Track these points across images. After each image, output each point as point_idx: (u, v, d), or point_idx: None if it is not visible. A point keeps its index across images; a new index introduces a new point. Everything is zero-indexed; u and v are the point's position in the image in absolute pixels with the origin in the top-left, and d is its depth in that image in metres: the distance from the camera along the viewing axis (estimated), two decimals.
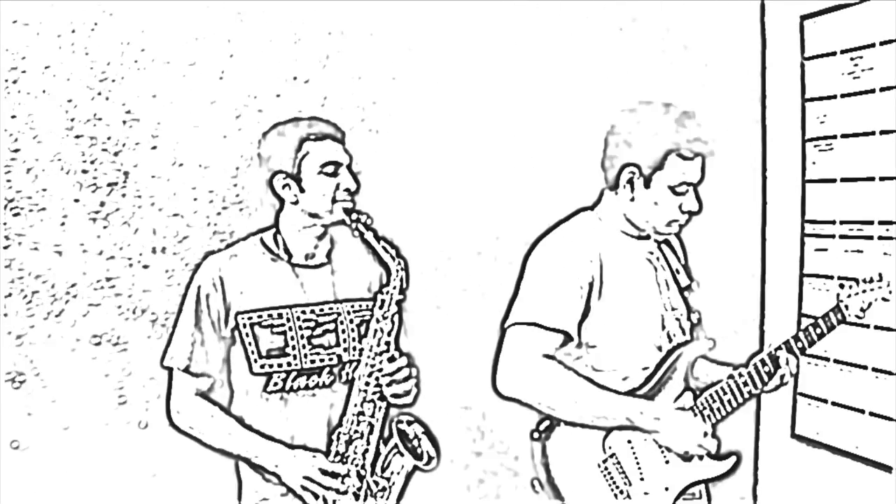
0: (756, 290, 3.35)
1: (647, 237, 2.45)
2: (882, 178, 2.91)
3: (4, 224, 2.61)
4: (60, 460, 2.69)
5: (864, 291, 2.50)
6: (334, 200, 2.44)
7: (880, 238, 2.92)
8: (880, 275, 2.53)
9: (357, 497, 2.42)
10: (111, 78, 2.69)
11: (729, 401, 2.41)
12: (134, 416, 2.75)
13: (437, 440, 2.48)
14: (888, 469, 2.85)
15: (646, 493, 2.39)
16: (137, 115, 2.73)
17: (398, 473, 2.46)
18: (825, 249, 3.14)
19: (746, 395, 2.43)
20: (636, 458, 2.40)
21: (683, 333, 2.48)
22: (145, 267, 2.75)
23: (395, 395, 2.43)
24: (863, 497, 2.97)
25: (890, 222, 2.89)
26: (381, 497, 2.45)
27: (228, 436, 2.43)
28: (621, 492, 2.39)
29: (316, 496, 2.38)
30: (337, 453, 2.42)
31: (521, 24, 3.12)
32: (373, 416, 2.44)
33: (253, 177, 2.78)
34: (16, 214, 2.62)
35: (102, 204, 2.71)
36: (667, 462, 2.40)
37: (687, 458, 2.38)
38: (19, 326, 2.65)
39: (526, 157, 3.07)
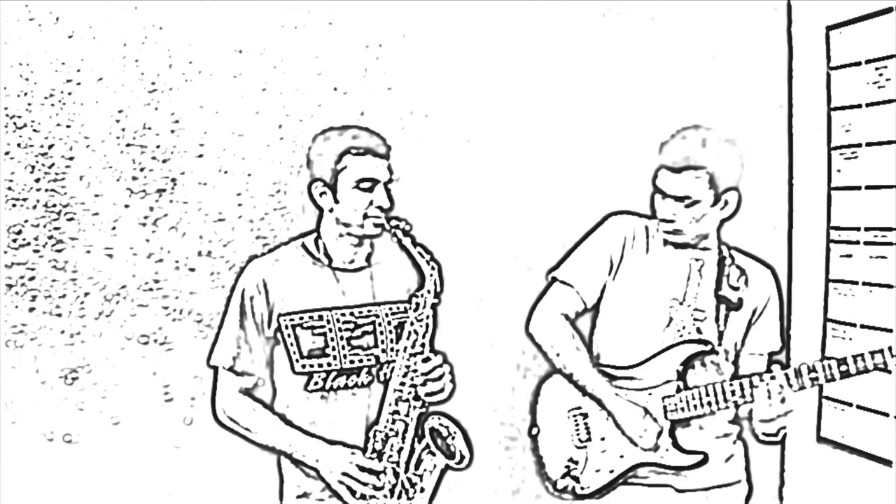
0: (783, 295, 3.34)
1: (693, 245, 2.59)
2: None
3: (58, 228, 2.70)
4: (110, 453, 2.77)
5: None
6: (366, 216, 2.48)
7: None
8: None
9: (392, 493, 2.48)
10: (160, 89, 2.77)
11: (709, 403, 2.53)
12: (179, 412, 2.82)
13: (471, 440, 2.52)
14: None
15: (602, 451, 2.60)
16: (185, 125, 2.80)
17: (430, 472, 2.51)
18: (850, 255, 3.14)
19: (731, 405, 2.53)
20: (605, 422, 2.61)
21: (699, 333, 2.59)
22: (191, 270, 2.82)
23: (429, 394, 2.50)
24: (889, 500, 2.95)
25: None
26: (414, 493, 2.50)
27: (271, 432, 2.49)
28: (581, 443, 2.63)
29: (353, 491, 2.44)
30: (373, 450, 2.47)
31: (563, 28, 3.15)
32: (408, 414, 2.49)
33: (296, 182, 2.86)
34: (70, 219, 2.71)
35: (151, 209, 2.79)
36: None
37: (633, 443, 2.57)
38: (73, 326, 2.73)
39: (566, 162, 3.11)
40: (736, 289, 2.62)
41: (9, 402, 2.71)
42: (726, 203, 2.53)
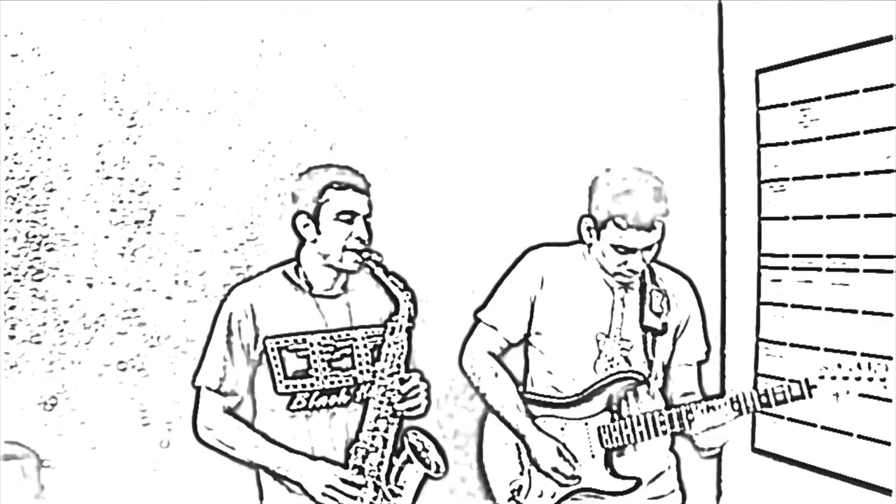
0: (717, 318, 3.45)
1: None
2: (829, 217, 3.06)
3: (38, 258, 2.72)
4: (88, 478, 2.78)
5: (844, 378, 2.53)
6: (345, 248, 2.58)
7: (829, 270, 3.07)
8: (869, 364, 2.53)
9: None
10: (139, 124, 2.81)
11: (641, 433, 2.66)
12: (157, 436, 2.85)
13: (445, 451, 2.62)
14: (847, 479, 2.97)
15: (544, 478, 2.71)
16: (162, 159, 2.84)
17: (410, 482, 2.60)
18: (780, 280, 3.27)
19: (661, 434, 2.66)
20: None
21: (628, 363, 2.72)
22: (168, 298, 2.86)
23: (407, 409, 2.60)
24: None
25: (838, 255, 3.04)
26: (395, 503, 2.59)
27: (255, 448, 2.55)
28: (523, 467, 2.75)
29: (339, 503, 2.52)
30: (354, 466, 2.55)
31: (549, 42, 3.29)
32: (386, 431, 2.58)
33: (270, 214, 2.92)
34: (50, 250, 2.73)
35: (130, 240, 2.82)
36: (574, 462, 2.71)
37: (548, 474, 2.70)
38: (52, 353, 2.75)
39: (541, 181, 3.22)
40: (659, 314, 2.73)
41: None
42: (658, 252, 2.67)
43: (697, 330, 2.82)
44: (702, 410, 2.61)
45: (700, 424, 2.60)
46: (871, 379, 2.50)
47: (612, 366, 2.71)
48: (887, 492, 2.86)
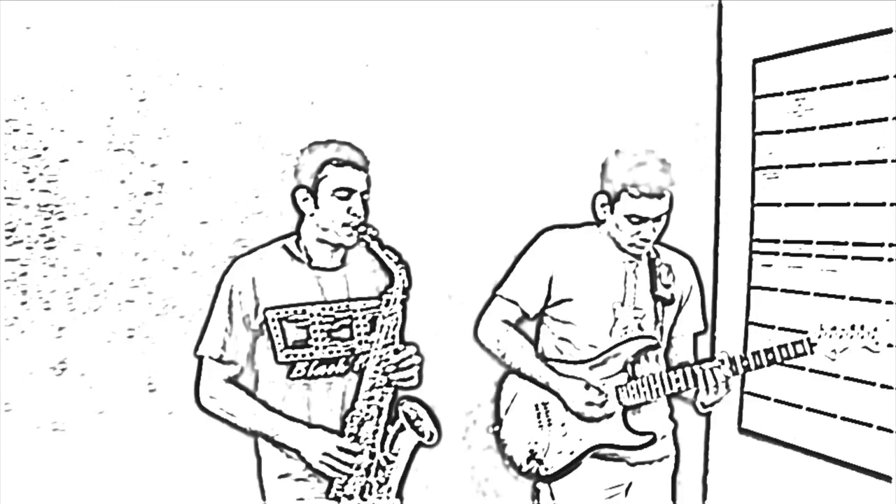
0: (709, 300, 3.40)
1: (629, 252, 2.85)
2: (821, 204, 3.12)
3: (50, 227, 2.74)
4: (95, 441, 2.81)
5: (840, 337, 2.67)
6: (344, 224, 2.64)
7: (818, 256, 3.13)
8: (863, 325, 2.66)
9: (368, 471, 2.62)
10: (149, 98, 2.82)
11: (657, 389, 2.80)
12: (162, 402, 2.88)
13: (439, 420, 2.68)
14: (834, 461, 3.05)
15: (563, 435, 2.83)
16: (171, 133, 2.85)
17: (404, 450, 2.66)
18: (770, 265, 3.34)
19: (676, 390, 2.80)
20: (564, 409, 2.84)
21: (641, 330, 2.86)
22: (175, 268, 2.88)
23: (401, 380, 2.66)
24: (806, 486, 3.17)
25: (828, 242, 3.10)
26: (389, 470, 2.65)
27: (254, 416, 2.61)
28: (543, 427, 2.87)
29: (333, 470, 2.58)
30: (350, 434, 2.62)
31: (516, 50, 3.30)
32: (381, 400, 2.64)
33: (275, 188, 2.94)
34: (61, 219, 2.75)
35: (139, 211, 2.84)
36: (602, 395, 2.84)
37: (582, 417, 2.82)
38: (62, 320, 2.77)
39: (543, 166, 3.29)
40: (668, 286, 2.89)
41: (1, 392, 2.73)
42: (666, 226, 2.82)
43: (697, 304, 2.97)
44: (712, 369, 2.75)
45: (711, 382, 2.73)
46: (862, 337, 2.64)
47: (626, 333, 2.84)
48: (874, 474, 2.94)
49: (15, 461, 2.75)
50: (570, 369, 2.86)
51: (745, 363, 2.73)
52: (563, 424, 2.85)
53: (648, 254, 2.89)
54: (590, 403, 2.81)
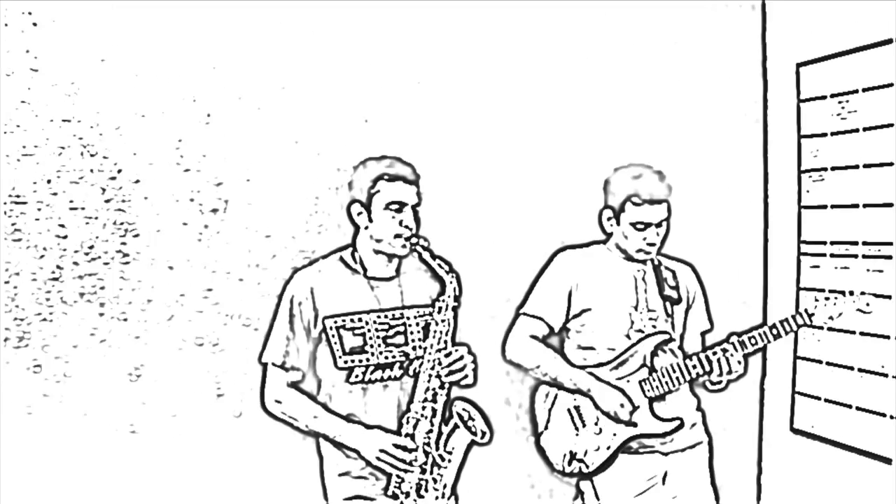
0: (759, 303, 3.59)
1: (637, 259, 3.04)
2: (866, 205, 3.15)
3: (125, 244, 2.87)
4: (168, 443, 2.92)
5: (833, 304, 2.90)
6: (396, 236, 2.76)
7: (864, 257, 3.15)
8: (851, 291, 2.98)
9: (423, 469, 2.72)
10: (214, 122, 2.94)
11: (677, 378, 2.95)
12: (230, 406, 2.98)
13: (490, 420, 2.77)
14: (886, 460, 3.06)
15: (598, 434, 2.96)
16: (235, 153, 2.96)
17: (458, 448, 2.76)
18: (818, 266, 3.36)
19: (695, 376, 2.96)
20: (596, 410, 2.98)
21: (654, 328, 3.03)
22: (240, 280, 2.99)
23: (456, 380, 2.76)
24: (858, 485, 3.18)
25: (874, 243, 3.12)
26: (444, 467, 2.75)
27: (316, 419, 2.73)
28: (579, 428, 3.00)
29: (392, 466, 2.69)
30: (406, 433, 2.72)
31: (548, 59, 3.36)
32: (434, 401, 2.74)
33: (333, 203, 3.04)
34: (135, 236, 2.87)
35: (206, 227, 2.95)
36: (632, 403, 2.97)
37: (614, 418, 2.96)
38: (137, 330, 2.89)
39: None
40: (674, 287, 3.07)
41: (81, 398, 2.85)
42: (667, 234, 3.03)
43: (702, 305, 3.14)
44: (725, 351, 2.93)
45: (726, 366, 2.91)
46: (855, 301, 2.89)
47: (642, 333, 3.00)
48: None
49: (94, 462, 2.87)
50: (594, 372, 3.02)
51: (752, 342, 2.90)
52: (596, 423, 2.99)
53: (653, 261, 3.07)
54: (622, 405, 2.94)
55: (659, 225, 2.98)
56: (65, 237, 2.85)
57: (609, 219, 3.05)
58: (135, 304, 2.92)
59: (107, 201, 2.89)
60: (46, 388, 2.84)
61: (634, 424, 2.97)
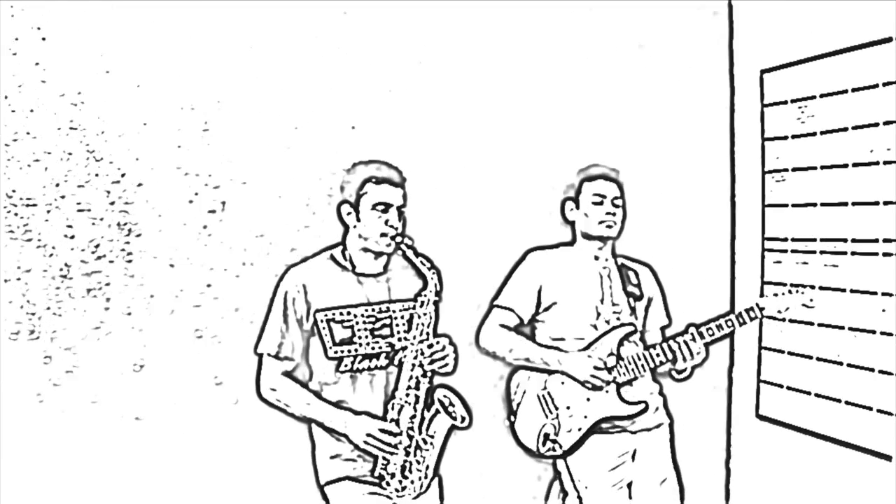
0: (726, 296, 3.75)
1: (602, 237, 3.25)
2: (824, 204, 3.28)
3: (129, 243, 2.99)
4: (171, 429, 3.04)
5: (783, 295, 3.13)
6: (383, 235, 2.90)
7: (822, 252, 3.29)
8: (798, 286, 3.25)
9: (408, 451, 2.87)
10: (212, 129, 3.06)
11: (643, 365, 3.17)
12: (228, 394, 3.10)
13: (470, 406, 2.91)
14: (846, 444, 3.20)
15: (570, 416, 3.15)
16: (232, 158, 3.08)
17: (439, 432, 2.92)
18: (780, 262, 3.51)
19: (658, 364, 3.18)
20: (566, 394, 3.19)
21: (619, 321, 3.24)
22: (237, 277, 3.10)
23: (437, 369, 2.90)
24: (820, 468, 3.33)
25: (833, 240, 3.25)
26: (427, 450, 2.90)
27: (308, 405, 2.87)
28: (551, 412, 3.20)
29: (378, 450, 2.83)
30: (391, 419, 2.86)
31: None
32: (418, 388, 2.88)
33: (323, 205, 3.16)
34: (138, 235, 2.99)
35: (205, 227, 3.08)
36: (588, 399, 3.17)
37: (591, 387, 3.17)
38: (140, 324, 3.01)
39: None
40: (636, 285, 3.28)
41: (89, 387, 2.96)
42: (624, 217, 3.24)
43: (661, 302, 3.35)
44: (686, 341, 3.13)
45: (687, 354, 3.12)
46: (802, 293, 3.14)
47: (607, 325, 3.20)
48: (887, 458, 3.07)
49: (101, 448, 3.00)
50: (554, 378, 3.24)
51: (710, 332, 3.11)
52: (567, 407, 3.19)
53: (617, 262, 3.29)
54: (597, 370, 3.15)
55: (615, 202, 3.22)
56: (72, 237, 2.97)
57: (571, 209, 3.30)
58: (138, 299, 3.04)
59: (111, 203, 3.01)
60: (56, 377, 2.96)
61: (614, 381, 3.18)
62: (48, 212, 2.94)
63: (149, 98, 3.04)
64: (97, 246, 3.00)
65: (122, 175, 3.02)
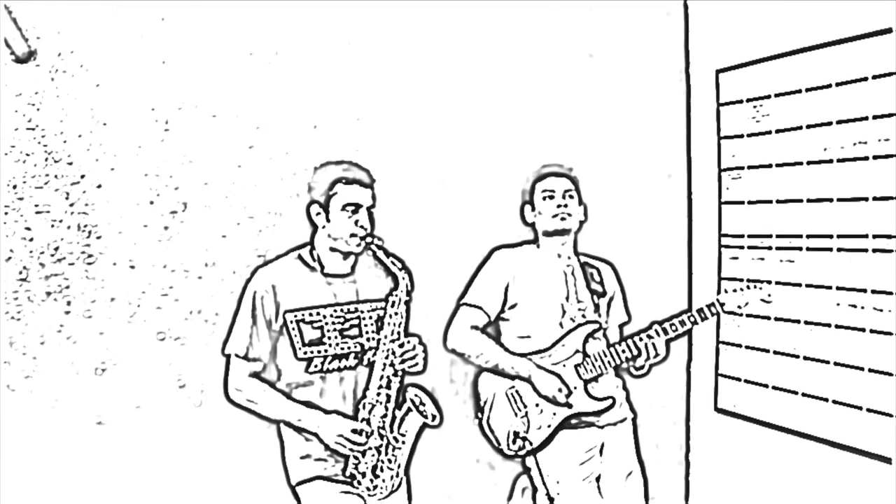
0: (684, 291, 3.76)
1: (558, 231, 3.29)
2: (779, 201, 3.33)
3: (88, 245, 2.94)
4: (133, 433, 2.99)
5: (742, 290, 3.21)
6: (352, 235, 2.91)
7: (778, 249, 3.35)
8: (758, 281, 3.29)
9: (379, 451, 2.87)
10: (172, 129, 3.02)
11: (608, 362, 3.22)
12: (191, 397, 3.06)
13: (440, 404, 2.95)
14: (801, 434, 3.26)
15: (539, 413, 3.19)
16: (193, 158, 3.04)
17: (410, 430, 2.93)
18: (737, 258, 3.55)
19: (622, 360, 3.23)
20: (534, 393, 3.21)
21: (584, 318, 3.29)
22: (199, 278, 3.07)
23: (408, 368, 2.91)
24: (777, 458, 3.39)
25: (788, 236, 3.30)
26: (398, 448, 2.90)
27: (277, 406, 2.87)
28: (520, 411, 3.23)
29: (349, 449, 2.83)
30: (363, 418, 2.87)
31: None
32: (388, 388, 2.89)
33: (286, 204, 3.13)
34: (98, 237, 2.95)
35: (166, 228, 3.03)
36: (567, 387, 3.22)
37: (551, 401, 3.20)
38: (102, 326, 2.96)
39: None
40: (599, 283, 3.34)
41: (49, 391, 2.91)
42: (584, 209, 3.31)
43: (620, 299, 3.41)
44: (650, 337, 3.20)
45: (652, 350, 3.20)
46: (761, 288, 3.25)
47: (573, 322, 3.24)
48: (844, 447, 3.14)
49: (62, 452, 2.95)
50: (532, 359, 3.25)
51: (673, 328, 3.18)
52: (536, 405, 3.22)
53: (579, 259, 3.33)
54: (560, 390, 3.18)
55: (567, 195, 3.26)
56: (31, 239, 2.92)
57: (525, 205, 3.35)
58: (99, 301, 3.00)
59: (71, 205, 2.96)
60: (15, 382, 2.91)
61: (570, 406, 3.20)
62: (6, 213, 2.89)
63: (108, 98, 3.00)
64: (56, 248, 2.96)
65: (82, 176, 2.98)
